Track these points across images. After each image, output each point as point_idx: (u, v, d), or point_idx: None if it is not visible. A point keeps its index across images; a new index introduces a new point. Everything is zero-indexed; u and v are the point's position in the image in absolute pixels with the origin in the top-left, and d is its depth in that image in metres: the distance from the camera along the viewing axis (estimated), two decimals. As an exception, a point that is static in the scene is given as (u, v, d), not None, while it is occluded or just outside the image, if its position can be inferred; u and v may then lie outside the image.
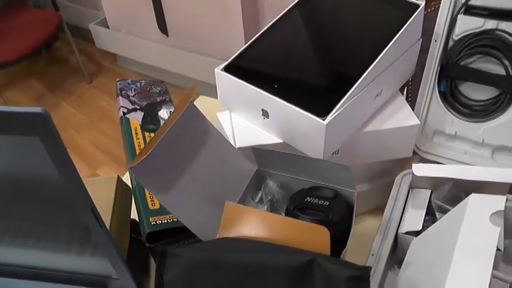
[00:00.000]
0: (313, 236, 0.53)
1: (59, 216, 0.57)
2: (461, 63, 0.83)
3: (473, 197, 0.58)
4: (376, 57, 0.68)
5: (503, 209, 0.55)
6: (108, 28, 2.88)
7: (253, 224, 0.57)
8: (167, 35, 2.60)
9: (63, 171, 0.47)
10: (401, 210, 0.73)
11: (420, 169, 0.70)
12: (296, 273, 0.48)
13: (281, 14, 0.79)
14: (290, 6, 0.81)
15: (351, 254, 0.65)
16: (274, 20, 0.79)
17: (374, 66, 0.67)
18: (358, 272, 0.47)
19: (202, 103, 1.17)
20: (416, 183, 0.75)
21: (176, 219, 0.65)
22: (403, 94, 0.91)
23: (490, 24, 0.80)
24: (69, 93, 2.86)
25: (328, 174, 0.63)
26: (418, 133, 0.83)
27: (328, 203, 0.60)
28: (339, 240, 0.56)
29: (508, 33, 0.80)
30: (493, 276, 0.60)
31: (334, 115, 0.62)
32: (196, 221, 0.60)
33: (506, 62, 0.81)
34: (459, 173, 0.68)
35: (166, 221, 0.67)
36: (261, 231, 0.56)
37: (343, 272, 0.47)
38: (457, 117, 0.83)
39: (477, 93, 0.83)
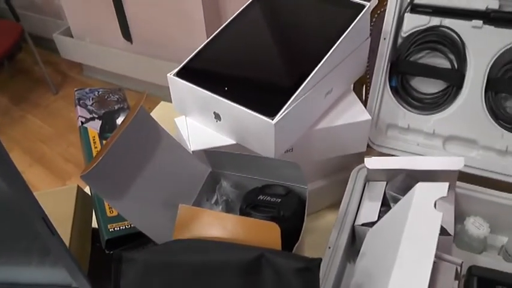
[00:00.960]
0: (264, 232, 0.54)
1: (14, 228, 0.57)
2: (411, 59, 0.86)
3: (420, 186, 0.60)
4: (324, 57, 0.70)
5: (445, 195, 0.57)
6: (72, 37, 2.85)
7: (207, 225, 0.58)
8: (131, 42, 2.59)
9: (9, 181, 0.47)
10: (358, 203, 0.75)
11: (372, 162, 0.72)
12: (246, 269, 0.50)
13: (232, 18, 0.81)
14: (241, 9, 0.82)
15: (312, 248, 0.66)
16: (225, 23, 0.80)
17: (321, 65, 0.69)
18: (306, 263, 0.48)
19: (164, 109, 1.17)
20: (372, 176, 0.77)
21: (134, 225, 0.65)
22: (362, 91, 0.93)
23: (435, 21, 0.84)
24: (35, 105, 2.82)
25: (280, 172, 0.64)
26: (372, 128, 0.85)
27: (280, 200, 0.62)
28: (292, 235, 0.57)
29: (451, 29, 0.83)
30: (442, 259, 0.62)
31: (282, 114, 0.64)
32: (152, 225, 0.60)
33: (451, 56, 0.84)
34: (410, 164, 0.70)
35: (124, 227, 0.67)
36: (214, 231, 0.57)
37: (291, 265, 0.49)
38: (409, 110, 0.86)
39: (427, 87, 0.86)
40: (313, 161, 0.79)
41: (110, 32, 2.62)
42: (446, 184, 0.59)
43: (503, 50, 0.81)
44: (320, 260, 0.50)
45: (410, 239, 0.53)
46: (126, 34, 2.56)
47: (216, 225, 0.57)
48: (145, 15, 2.40)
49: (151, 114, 1.07)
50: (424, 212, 0.56)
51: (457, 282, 0.62)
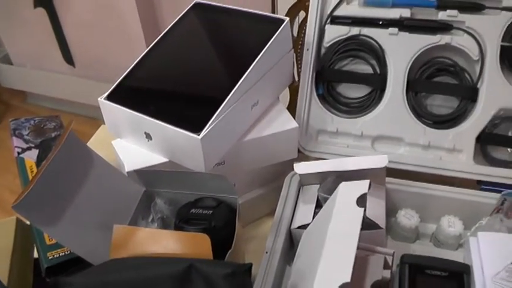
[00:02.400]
0: (195, 244, 0.57)
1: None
2: (335, 67, 0.91)
3: (342, 185, 0.64)
4: (247, 70, 0.73)
5: (366, 191, 0.61)
6: (12, 64, 2.80)
7: (142, 242, 0.60)
8: (74, 66, 2.57)
9: None
10: (293, 208, 0.79)
11: (301, 167, 0.76)
12: (178, 280, 0.52)
13: (158, 38, 0.83)
14: (168, 28, 0.84)
15: (253, 255, 0.69)
16: (152, 44, 0.82)
17: (244, 78, 0.72)
18: (233, 269, 0.51)
19: (106, 132, 1.17)
20: (305, 180, 0.81)
21: (73, 250, 0.66)
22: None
23: (354, 30, 0.90)
24: (-23, 137, 2.76)
25: (210, 185, 0.67)
26: (303, 134, 0.89)
27: (211, 212, 0.64)
28: (225, 244, 0.60)
29: (370, 37, 0.89)
30: (375, 251, 0.66)
31: (208, 129, 0.66)
32: (89, 248, 0.62)
33: (373, 62, 0.89)
34: (337, 166, 0.74)
35: (64, 253, 0.68)
36: (149, 247, 0.59)
37: (219, 271, 0.52)
38: (336, 115, 0.91)
39: (352, 92, 0.91)
40: (247, 171, 0.82)
41: (51, 57, 2.58)
42: (367, 181, 0.62)
43: (418, 53, 0.88)
44: (248, 264, 0.53)
45: (334, 235, 0.57)
46: (68, 58, 2.54)
47: (151, 241, 0.59)
48: (85, 38, 2.39)
49: (93, 137, 1.08)
50: (347, 209, 0.59)
51: (388, 271, 0.66)
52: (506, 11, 0.86)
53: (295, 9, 0.99)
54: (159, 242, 0.59)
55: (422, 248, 0.81)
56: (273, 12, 1.69)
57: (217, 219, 0.63)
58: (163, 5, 2.16)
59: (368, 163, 0.72)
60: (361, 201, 0.59)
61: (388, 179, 0.80)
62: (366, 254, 0.67)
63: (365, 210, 0.72)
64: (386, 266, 0.66)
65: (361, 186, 0.61)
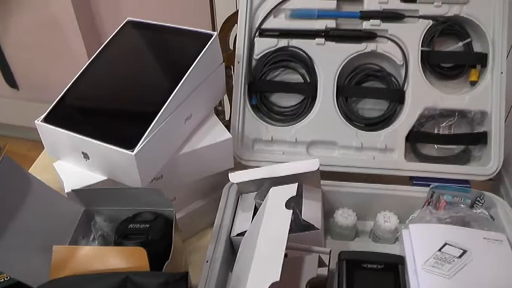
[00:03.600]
0: (132, 258, 0.59)
1: None
2: (267, 78, 0.94)
3: (272, 190, 0.67)
4: (177, 85, 0.75)
5: (294, 194, 0.64)
6: None
7: (82, 261, 0.61)
8: (18, 88, 2.52)
9: None
10: (232, 216, 0.81)
11: (236, 176, 0.78)
12: (114, 293, 0.53)
13: (92, 57, 0.84)
14: (100, 48, 0.85)
15: (196, 267, 0.71)
16: (86, 64, 0.83)
17: (175, 93, 0.74)
18: (167, 278, 0.54)
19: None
20: (243, 189, 0.83)
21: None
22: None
23: (283, 42, 0.93)
24: None
25: (147, 200, 0.68)
26: (239, 145, 0.92)
27: (148, 226, 0.66)
28: (163, 255, 0.61)
29: (298, 48, 0.93)
30: (311, 251, 0.69)
31: (142, 145, 0.68)
32: (30, 272, 0.62)
33: (302, 71, 0.93)
34: (270, 172, 0.77)
35: (3, 279, 0.68)
36: (89, 265, 0.60)
37: (153, 281, 0.54)
38: (271, 124, 0.94)
39: (285, 101, 0.95)
40: (187, 184, 0.83)
41: (-8, 80, 2.53)
42: (295, 185, 0.66)
43: (346, 61, 0.92)
44: (183, 273, 0.55)
45: (264, 238, 0.59)
46: (11, 80, 2.49)
47: (91, 259, 0.61)
48: (28, 59, 2.35)
49: (37, 161, 1.08)
50: (277, 212, 0.62)
51: (325, 268, 0.69)
52: (423, 19, 0.92)
53: (230, 23, 1.03)
54: (99, 258, 0.60)
55: (362, 245, 0.85)
56: (213, 25, 1.73)
57: (154, 233, 0.65)
58: (105, 24, 2.16)
59: (301, 167, 0.75)
60: (290, 204, 0.62)
61: (324, 182, 0.84)
62: (302, 254, 0.70)
63: (300, 213, 0.75)
64: (322, 264, 0.69)
65: (290, 189, 0.64)
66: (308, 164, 0.76)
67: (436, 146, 0.94)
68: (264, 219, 0.62)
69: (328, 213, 0.85)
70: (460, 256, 0.72)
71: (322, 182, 0.83)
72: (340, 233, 0.84)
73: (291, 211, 0.61)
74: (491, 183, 1.00)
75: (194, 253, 0.85)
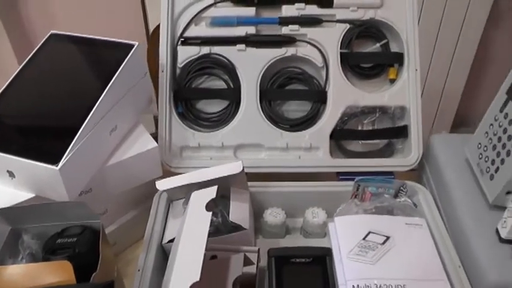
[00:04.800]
0: (58, 272, 0.59)
1: None
2: (193, 85, 0.95)
3: (194, 193, 0.69)
4: (99, 98, 0.75)
5: (214, 196, 0.66)
6: None
7: (10, 280, 0.61)
8: None
9: None
10: (164, 224, 0.82)
11: (162, 184, 0.79)
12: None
13: (15, 73, 0.83)
14: (23, 63, 0.85)
15: (132, 278, 0.71)
16: (10, 79, 0.82)
17: (98, 106, 0.75)
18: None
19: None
20: (173, 196, 0.85)
21: None
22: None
23: (205, 49, 0.95)
24: None
25: (74, 213, 0.68)
26: (167, 152, 0.93)
27: (76, 239, 0.66)
28: (91, 268, 0.62)
29: (220, 55, 0.95)
30: (240, 251, 0.71)
31: (66, 159, 0.68)
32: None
33: (225, 77, 0.95)
34: (196, 177, 0.78)
35: None
36: (17, 284, 0.60)
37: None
38: (198, 130, 0.96)
39: (211, 107, 0.97)
40: (117, 195, 0.84)
41: None
42: (215, 188, 0.68)
43: (266, 66, 0.96)
44: (108, 282, 0.55)
45: (185, 241, 0.61)
46: None
47: (16, 277, 0.61)
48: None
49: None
50: (197, 215, 0.64)
51: (253, 266, 0.71)
52: (341, 23, 0.97)
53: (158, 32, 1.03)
54: (25, 276, 0.61)
55: (293, 241, 0.88)
56: (147, 34, 1.73)
57: (81, 246, 0.66)
58: (38, 37, 2.12)
59: (225, 170, 0.77)
60: (215, 206, 0.64)
61: (252, 183, 0.86)
62: (229, 254, 0.71)
63: (228, 215, 0.77)
64: (249, 262, 0.71)
65: (210, 192, 0.67)
66: (232, 167, 0.78)
67: (360, 142, 0.98)
68: (185, 222, 0.63)
69: (258, 213, 0.88)
70: (384, 242, 0.76)
71: (250, 183, 0.86)
72: (270, 232, 0.87)
73: (211, 213, 0.63)
74: (416, 173, 1.05)
75: (131, 264, 0.86)
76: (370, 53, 0.99)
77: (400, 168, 0.95)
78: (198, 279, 0.53)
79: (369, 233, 0.77)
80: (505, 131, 0.83)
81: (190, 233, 0.62)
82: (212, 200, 0.66)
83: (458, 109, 2.02)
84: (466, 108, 2.05)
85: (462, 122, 2.09)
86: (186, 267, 0.57)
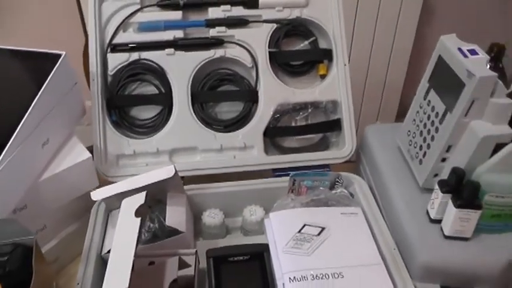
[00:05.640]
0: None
1: None
2: (126, 93, 0.95)
3: (124, 201, 0.69)
4: (26, 112, 0.74)
5: (143, 202, 0.66)
6: None
7: None
8: None
9: None
10: (103, 235, 0.81)
11: (97, 194, 0.79)
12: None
13: None
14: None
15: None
16: None
17: (25, 120, 0.73)
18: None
19: None
20: (111, 205, 0.84)
21: None
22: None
23: (134, 56, 0.95)
24: None
25: (4, 231, 0.67)
26: (103, 162, 0.92)
27: (6, 258, 0.65)
28: (23, 285, 0.61)
29: (150, 60, 0.95)
30: (178, 254, 0.71)
31: (-6, 176, 0.67)
32: None
33: (156, 82, 0.95)
34: (130, 185, 0.78)
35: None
36: None
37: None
38: (133, 138, 0.96)
39: (146, 113, 0.97)
40: (55, 209, 0.83)
41: None
42: (143, 193, 0.68)
43: (196, 69, 0.97)
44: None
45: (115, 248, 0.61)
46: None
47: None
48: None
49: None
50: (126, 222, 0.64)
51: (191, 268, 0.72)
52: (267, 22, 0.99)
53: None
54: None
55: (234, 240, 0.89)
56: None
57: (12, 264, 0.65)
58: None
59: (157, 176, 0.78)
60: (140, 212, 0.64)
61: (189, 186, 0.87)
62: (165, 259, 0.72)
63: (164, 220, 0.77)
64: (187, 265, 0.72)
65: (139, 198, 0.67)
66: (165, 172, 0.78)
67: (295, 138, 1.00)
68: (116, 230, 0.63)
69: (197, 215, 0.88)
70: (319, 234, 0.78)
71: (187, 186, 0.87)
72: (210, 233, 0.87)
73: (140, 219, 0.63)
74: (354, 164, 1.08)
75: (74, 278, 0.84)
76: (299, 51, 1.01)
77: (335, 160, 0.97)
78: (126, 285, 0.53)
79: (304, 225, 0.78)
80: (428, 117, 0.87)
81: (120, 240, 0.62)
82: (144, 206, 0.66)
83: (401, 99, 2.07)
84: (408, 98, 2.10)
85: (406, 112, 2.14)
86: (115, 276, 0.57)
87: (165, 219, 0.77)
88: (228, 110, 0.99)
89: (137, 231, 0.61)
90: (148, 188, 0.76)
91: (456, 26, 1.78)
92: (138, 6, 0.96)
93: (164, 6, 0.97)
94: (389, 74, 1.97)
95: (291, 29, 1.00)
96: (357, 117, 1.98)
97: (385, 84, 2.00)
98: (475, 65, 0.76)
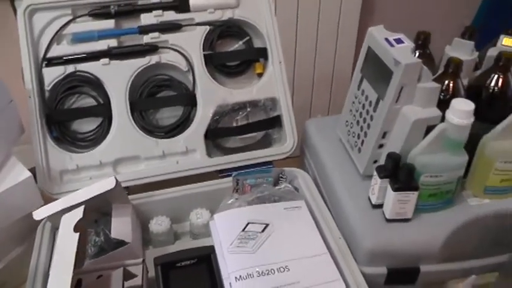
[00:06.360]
0: None
1: None
2: (65, 107, 0.94)
3: (64, 217, 0.68)
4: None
5: (81, 216, 0.66)
6: None
7: None
8: None
9: None
10: (50, 254, 0.80)
11: (39, 213, 0.78)
12: None
13: None
14: None
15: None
16: None
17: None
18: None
19: None
20: (57, 223, 0.82)
21: None
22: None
23: (70, 68, 0.94)
24: None
25: None
26: (46, 180, 0.91)
27: None
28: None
29: (86, 71, 0.94)
30: (125, 265, 0.71)
31: None
32: None
33: (94, 94, 0.94)
34: (71, 201, 0.77)
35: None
36: None
37: None
38: (74, 152, 0.95)
39: (86, 126, 0.96)
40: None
41: None
42: (82, 208, 0.68)
43: (133, 77, 0.96)
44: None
45: (55, 265, 0.61)
46: None
47: None
48: None
49: None
50: (66, 238, 0.64)
51: (139, 277, 0.72)
52: (200, 25, 0.99)
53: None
54: None
55: (184, 245, 0.89)
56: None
57: None
58: None
59: (98, 188, 0.77)
60: (78, 227, 0.64)
61: (134, 196, 0.87)
62: (110, 272, 0.71)
63: (110, 232, 0.77)
64: (132, 276, 0.72)
65: (77, 213, 0.66)
66: (105, 184, 0.78)
67: (238, 138, 1.01)
68: (57, 242, 0.63)
69: (145, 224, 0.88)
70: (263, 230, 0.79)
71: (132, 196, 0.87)
72: (159, 241, 0.87)
73: (78, 234, 0.63)
74: (299, 159, 1.10)
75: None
76: (234, 52, 1.02)
77: (278, 156, 0.99)
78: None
79: (248, 223, 0.79)
80: (363, 106, 0.89)
81: (59, 258, 0.61)
82: (83, 221, 0.66)
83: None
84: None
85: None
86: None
87: (110, 232, 0.77)
88: (169, 115, 0.99)
89: (75, 246, 0.61)
90: (92, 202, 0.76)
91: (396, 15, 1.84)
92: (70, 17, 0.95)
93: (96, 16, 0.97)
94: (336, 68, 2.00)
95: (225, 30, 1.01)
96: (308, 112, 2.00)
97: (333, 77, 2.03)
98: (401, 53, 0.79)
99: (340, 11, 1.85)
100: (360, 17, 1.90)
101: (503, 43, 0.94)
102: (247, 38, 1.02)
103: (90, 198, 0.77)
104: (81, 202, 0.76)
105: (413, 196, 0.79)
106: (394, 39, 0.83)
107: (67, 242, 0.63)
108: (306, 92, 1.95)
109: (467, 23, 1.77)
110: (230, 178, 0.91)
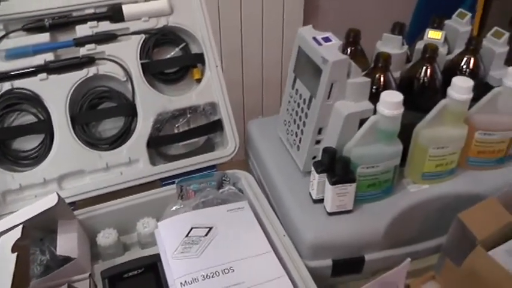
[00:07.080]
0: None
1: None
2: (5, 126, 0.93)
3: (1, 238, 0.69)
4: None
5: (19, 235, 0.66)
6: None
7: None
8: None
9: None
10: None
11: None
12: None
13: None
14: None
15: None
16: None
17: None
18: None
19: None
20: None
21: None
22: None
23: (6, 86, 0.93)
24: None
25: None
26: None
27: None
28: None
29: (23, 88, 0.93)
30: (69, 282, 0.72)
31: None
32: None
33: (34, 110, 0.93)
34: (10, 222, 0.75)
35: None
36: None
37: None
38: (17, 171, 0.94)
39: (28, 144, 0.95)
40: None
41: None
42: (19, 228, 0.68)
43: (71, 90, 0.96)
44: None
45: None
46: None
47: None
48: None
49: None
50: (4, 258, 0.64)
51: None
52: (136, 34, 1.00)
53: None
54: None
55: (133, 256, 0.88)
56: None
57: None
58: None
59: (40, 206, 0.77)
60: (17, 247, 0.64)
61: (80, 211, 0.88)
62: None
63: (55, 249, 0.77)
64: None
65: (15, 234, 0.67)
66: (47, 201, 0.78)
67: (180, 144, 1.02)
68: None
69: (93, 238, 0.88)
70: (207, 234, 0.81)
71: (78, 211, 0.87)
72: (108, 253, 0.88)
73: (16, 254, 0.63)
74: (244, 161, 1.12)
75: None
76: (171, 59, 1.04)
77: (220, 160, 1.01)
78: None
79: (192, 228, 0.81)
80: (298, 105, 0.92)
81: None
82: (22, 240, 0.66)
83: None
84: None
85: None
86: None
87: (56, 249, 0.77)
88: (112, 127, 0.99)
89: (12, 268, 0.61)
90: (35, 220, 0.76)
91: (339, 14, 1.89)
92: (3, 33, 0.94)
93: (30, 30, 0.96)
94: (284, 71, 2.03)
95: (161, 38, 1.02)
96: (260, 113, 2.03)
97: (281, 79, 2.06)
98: (329, 51, 0.82)
99: (283, 11, 1.88)
100: (304, 19, 1.94)
101: (429, 36, 0.98)
102: (184, 44, 1.03)
103: (33, 217, 0.77)
104: (22, 222, 0.76)
105: (351, 188, 0.82)
106: (322, 38, 0.86)
107: (4, 264, 0.63)
108: (256, 93, 1.97)
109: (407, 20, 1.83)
110: (173, 185, 0.92)
